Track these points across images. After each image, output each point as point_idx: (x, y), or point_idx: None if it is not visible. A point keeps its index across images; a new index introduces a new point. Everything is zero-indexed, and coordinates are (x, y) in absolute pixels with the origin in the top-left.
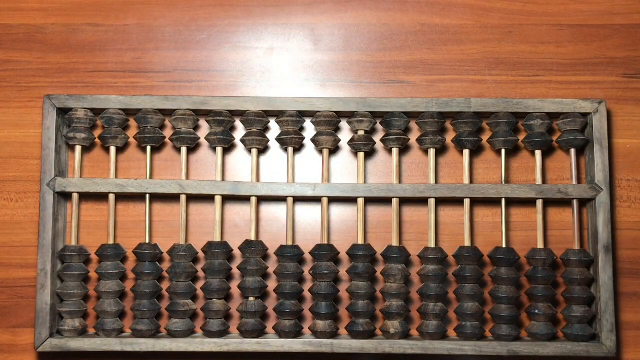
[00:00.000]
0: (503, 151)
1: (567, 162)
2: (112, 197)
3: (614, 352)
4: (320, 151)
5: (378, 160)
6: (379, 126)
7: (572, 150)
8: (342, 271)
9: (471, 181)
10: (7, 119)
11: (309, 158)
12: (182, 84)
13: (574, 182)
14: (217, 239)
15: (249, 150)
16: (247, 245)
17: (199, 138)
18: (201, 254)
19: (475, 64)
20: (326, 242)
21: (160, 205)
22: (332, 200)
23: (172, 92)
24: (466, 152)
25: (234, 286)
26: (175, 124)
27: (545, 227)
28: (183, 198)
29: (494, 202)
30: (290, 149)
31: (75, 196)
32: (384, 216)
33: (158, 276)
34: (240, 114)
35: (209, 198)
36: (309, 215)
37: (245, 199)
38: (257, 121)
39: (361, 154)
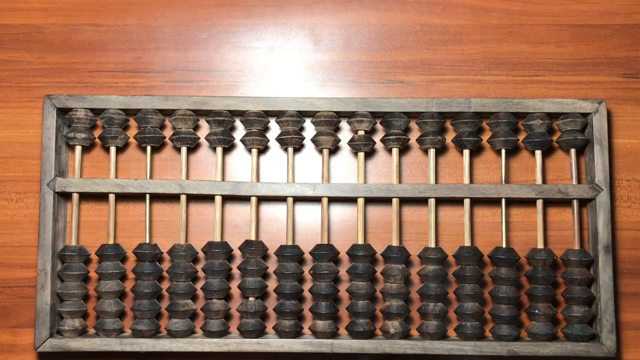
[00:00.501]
0: (503, 151)
1: (567, 162)
2: (112, 197)
3: (614, 352)
4: (320, 151)
5: (378, 160)
6: (379, 126)
7: (572, 150)
8: (342, 271)
9: (471, 181)
10: (7, 119)
11: (309, 158)
12: (182, 84)
13: (574, 182)
14: (217, 239)
15: (249, 150)
16: (247, 245)
17: (199, 138)
18: (201, 254)
19: (475, 64)
20: (326, 242)
21: (160, 205)
22: (332, 200)
23: (172, 92)
24: (466, 152)
25: (234, 286)
26: (175, 124)
27: (545, 227)
28: (183, 198)
29: (494, 202)
30: (290, 149)
31: (75, 196)
32: (384, 216)
33: (158, 276)
34: (240, 114)
35: (209, 198)
36: (309, 215)
37: (245, 199)
38: (257, 121)
39: (361, 154)
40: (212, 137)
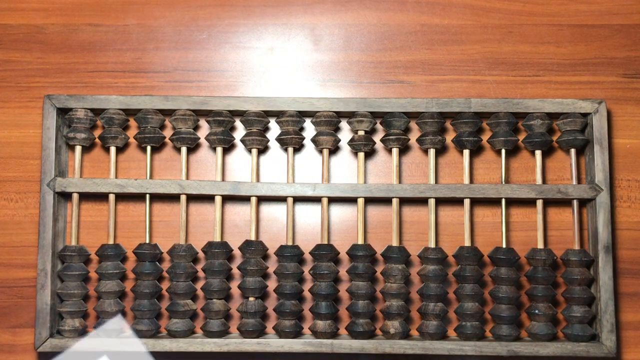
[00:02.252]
0: (503, 151)
1: (567, 162)
2: (112, 197)
3: (614, 352)
4: (320, 151)
5: (378, 160)
6: (379, 126)
7: (572, 150)
8: (342, 271)
9: (471, 181)
10: (7, 119)
11: (309, 158)
12: (182, 84)
13: (574, 182)
14: (217, 239)
15: (249, 150)
16: (247, 245)
17: (199, 138)
18: (201, 254)
19: (475, 64)
20: (326, 242)
21: (160, 205)
22: (332, 200)
23: (172, 92)
24: (466, 152)
25: (234, 286)
26: (175, 124)
27: (545, 227)
28: (183, 198)
29: (494, 202)
30: (290, 149)
31: (75, 196)
32: (384, 216)
33: (158, 276)
34: (240, 114)
35: (209, 198)
36: (309, 215)
37: (245, 199)
38: (257, 121)
39: (361, 154)
40: (212, 137)
